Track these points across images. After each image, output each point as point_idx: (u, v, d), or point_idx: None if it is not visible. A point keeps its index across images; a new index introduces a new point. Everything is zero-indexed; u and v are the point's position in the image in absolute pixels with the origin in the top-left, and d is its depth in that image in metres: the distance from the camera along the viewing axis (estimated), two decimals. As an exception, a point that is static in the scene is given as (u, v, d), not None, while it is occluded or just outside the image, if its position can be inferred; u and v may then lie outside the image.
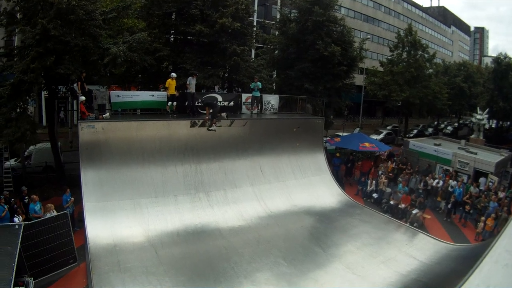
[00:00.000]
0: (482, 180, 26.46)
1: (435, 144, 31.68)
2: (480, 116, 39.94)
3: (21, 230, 12.12)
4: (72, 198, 18.25)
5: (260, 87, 24.23)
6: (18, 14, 22.48)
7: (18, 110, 21.37)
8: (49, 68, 19.91)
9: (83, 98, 19.06)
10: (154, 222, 17.21)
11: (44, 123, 33.82)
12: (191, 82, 21.19)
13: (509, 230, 12.88)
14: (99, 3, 24.46)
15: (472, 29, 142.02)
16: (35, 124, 22.49)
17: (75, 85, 20.88)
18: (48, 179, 24.85)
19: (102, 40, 22.65)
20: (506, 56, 51.35)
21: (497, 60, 51.84)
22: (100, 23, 22.18)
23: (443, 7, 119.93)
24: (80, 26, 21.41)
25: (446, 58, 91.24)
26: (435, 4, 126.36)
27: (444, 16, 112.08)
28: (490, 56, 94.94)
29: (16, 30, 22.25)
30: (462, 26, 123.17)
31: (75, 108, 29.16)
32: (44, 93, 31.37)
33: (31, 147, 26.44)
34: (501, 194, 23.38)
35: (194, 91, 21.56)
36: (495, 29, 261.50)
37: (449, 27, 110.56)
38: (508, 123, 57.35)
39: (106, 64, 21.80)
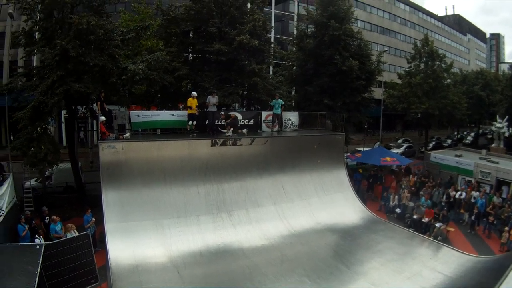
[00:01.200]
0: (504, 189, 26.25)
1: (456, 156, 31.54)
2: (500, 124, 39.72)
3: (42, 250, 12.14)
4: (93, 219, 18.45)
5: (282, 104, 24.12)
6: (36, 34, 22.81)
7: (39, 130, 21.63)
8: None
9: (103, 118, 19.08)
10: (176, 243, 17.03)
11: (64, 143, 34.14)
12: (211, 101, 21.21)
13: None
14: (118, 23, 24.75)
15: (488, 35, 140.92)
16: (56, 144, 22.69)
17: (94, 105, 20.99)
18: (69, 200, 25.02)
19: (121, 60, 22.80)
20: None
21: None
22: (119, 43, 22.38)
23: (458, 15, 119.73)
24: (99, 46, 21.69)
25: (463, 67, 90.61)
26: (450, 12, 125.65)
27: (459, 24, 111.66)
28: (507, 63, 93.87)
29: (35, 50, 22.54)
30: (478, 33, 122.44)
31: (95, 128, 29.37)
32: (63, 113, 31.67)
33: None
34: (525, 203, 23.15)
35: (214, 109, 21.55)
36: (510, 34, 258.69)
37: (465, 35, 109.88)
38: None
39: (125, 83, 21.92)
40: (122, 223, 16.70)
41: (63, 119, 34.61)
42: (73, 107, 24.65)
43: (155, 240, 16.81)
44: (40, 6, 21.99)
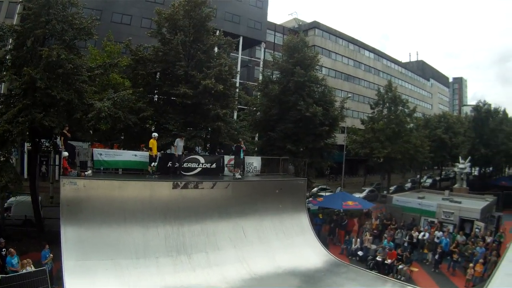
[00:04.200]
0: (467, 226, 27.33)
1: (418, 198, 32.44)
2: (463, 165, 41.00)
3: (-2, 283, 12.05)
4: (51, 255, 18.02)
5: (244, 149, 24.26)
6: (8, 62, 22.75)
7: (2, 159, 21.38)
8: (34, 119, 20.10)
9: (66, 154, 18.87)
10: (135, 284, 16.79)
11: (26, 175, 33.49)
12: (178, 144, 21.34)
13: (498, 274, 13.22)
14: (86, 58, 24.85)
15: (450, 80, 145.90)
16: (18, 174, 22.39)
17: (58, 140, 20.86)
18: (27, 233, 24.32)
19: (87, 96, 22.86)
20: (485, 103, 54.70)
21: (477, 108, 54.91)
22: (86, 79, 22.50)
23: (421, 61, 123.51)
24: (67, 81, 21.72)
25: (426, 111, 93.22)
26: (414, 58, 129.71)
27: (423, 70, 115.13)
28: (470, 105, 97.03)
29: (4, 78, 22.42)
30: (440, 78, 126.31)
31: (57, 163, 28.97)
32: (27, 145, 31.25)
33: (11, 199, 26.20)
34: (488, 239, 24.26)
35: (180, 153, 21.64)
36: (473, 76, 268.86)
37: (428, 80, 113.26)
38: (490, 168, 59.34)
39: (89, 119, 21.91)
40: (80, 261, 16.46)
41: (25, 151, 34.09)
42: (37, 140, 24.39)
43: (113, 280, 16.57)
44: (13, 34, 22.15)
